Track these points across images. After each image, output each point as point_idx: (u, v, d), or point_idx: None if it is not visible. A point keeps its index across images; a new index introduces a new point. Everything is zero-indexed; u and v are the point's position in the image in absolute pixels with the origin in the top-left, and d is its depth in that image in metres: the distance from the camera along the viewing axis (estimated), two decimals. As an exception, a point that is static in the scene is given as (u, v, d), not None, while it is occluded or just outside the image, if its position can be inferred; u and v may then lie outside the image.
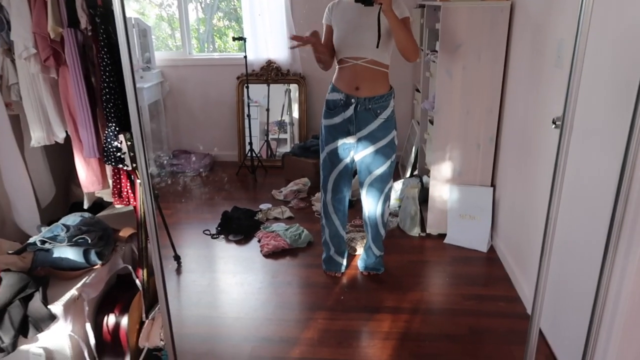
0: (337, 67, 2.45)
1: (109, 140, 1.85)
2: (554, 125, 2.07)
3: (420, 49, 3.76)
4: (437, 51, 3.14)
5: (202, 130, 4.84)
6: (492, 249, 3.09)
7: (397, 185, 3.68)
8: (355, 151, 2.51)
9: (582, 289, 1.89)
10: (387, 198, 2.61)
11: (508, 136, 2.92)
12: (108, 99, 1.82)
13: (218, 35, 5.60)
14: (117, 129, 1.84)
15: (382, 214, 2.65)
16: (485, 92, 2.97)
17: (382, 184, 2.55)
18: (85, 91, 1.84)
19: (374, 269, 2.84)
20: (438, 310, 2.56)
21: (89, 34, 1.84)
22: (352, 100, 2.37)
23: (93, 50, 1.88)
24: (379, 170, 2.51)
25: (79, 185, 2.38)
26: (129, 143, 1.85)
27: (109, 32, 1.79)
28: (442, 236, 3.23)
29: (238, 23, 5.33)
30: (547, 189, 2.34)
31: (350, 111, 2.39)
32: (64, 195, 2.44)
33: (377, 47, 2.25)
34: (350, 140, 2.47)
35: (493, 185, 3.14)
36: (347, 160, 2.55)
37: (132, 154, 1.86)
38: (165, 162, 4.64)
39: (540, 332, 2.24)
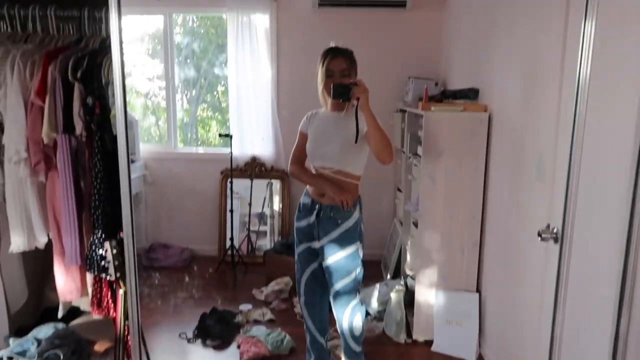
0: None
1: (93, 247, 1.79)
2: (540, 238, 2.10)
3: (402, 151, 3.90)
4: (418, 155, 3.24)
5: (182, 223, 4.77)
6: (480, 358, 2.99)
7: (381, 288, 3.61)
8: (321, 258, 2.45)
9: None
10: (355, 311, 2.45)
11: (492, 242, 2.95)
12: (97, 205, 1.78)
13: (201, 125, 5.73)
14: (103, 236, 1.79)
15: (351, 329, 2.48)
16: (468, 198, 3.03)
17: (345, 298, 2.43)
18: (73, 196, 1.81)
19: None
20: None
21: (84, 139, 1.84)
22: (316, 206, 2.37)
23: (85, 155, 1.87)
24: (341, 283, 2.41)
25: (53, 289, 2.27)
26: (114, 251, 1.79)
27: (104, 139, 1.80)
28: (429, 342, 3.13)
29: (222, 114, 5.47)
30: (536, 298, 2.34)
31: (313, 217, 2.39)
32: (36, 299, 2.30)
33: (356, 142, 2.24)
34: (315, 245, 2.43)
35: (478, 290, 3.12)
36: (315, 264, 2.50)
37: (116, 262, 1.80)
38: (141, 255, 4.50)
39: None
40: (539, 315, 2.28)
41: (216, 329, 3.23)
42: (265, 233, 4.84)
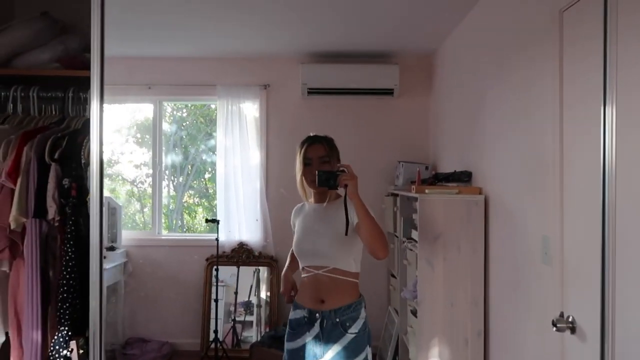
0: (301, 278, 2.20)
1: (57, 347, 1.57)
2: (554, 328, 1.93)
3: (395, 235, 3.77)
4: (413, 239, 3.12)
5: (162, 315, 4.46)
6: None
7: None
8: None
9: None
10: None
11: (498, 331, 2.74)
12: (65, 298, 1.59)
13: (187, 212, 5.59)
14: (69, 334, 1.58)
15: None
16: (468, 284, 2.87)
17: None
18: (39, 288, 1.62)
19: None
20: None
21: (56, 224, 1.69)
22: (317, 315, 2.06)
23: (57, 241, 1.71)
24: None
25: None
26: (80, 351, 1.57)
27: (79, 223, 1.65)
28: None
29: (208, 200, 5.35)
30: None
31: (316, 328, 2.06)
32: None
33: (347, 234, 2.01)
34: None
35: (487, 387, 2.86)
36: None
37: (83, 364, 1.57)
38: (116, 352, 4.14)
39: None
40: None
41: None
42: (251, 323, 4.55)
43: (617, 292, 1.58)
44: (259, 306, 4.58)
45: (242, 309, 4.53)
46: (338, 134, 2.49)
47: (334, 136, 2.30)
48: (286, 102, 4.45)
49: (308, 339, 2.07)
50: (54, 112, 1.95)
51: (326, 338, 2.04)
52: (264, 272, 4.53)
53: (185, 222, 5.49)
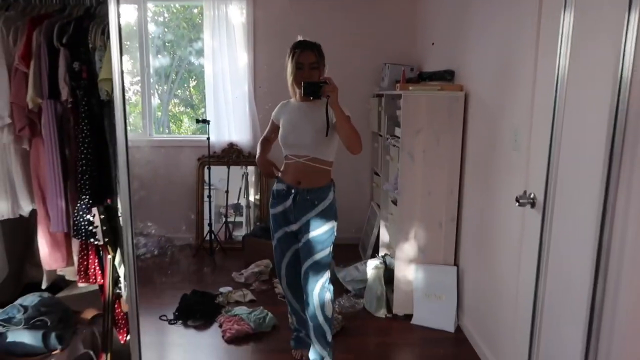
0: (284, 161, 2.51)
1: (80, 213, 1.77)
2: (517, 203, 2.19)
3: (379, 134, 3.97)
4: (396, 136, 3.32)
5: (158, 211, 4.71)
6: (459, 329, 3.08)
7: (361, 267, 3.68)
8: (299, 238, 2.50)
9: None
10: (325, 289, 2.47)
11: (469, 216, 3.05)
12: (84, 170, 1.77)
13: (173, 121, 5.67)
14: (90, 201, 1.78)
15: (323, 305, 2.46)
16: (446, 174, 3.13)
17: (318, 272, 2.46)
18: (59, 162, 1.79)
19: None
20: (412, 394, 2.48)
21: (69, 105, 1.82)
22: (292, 191, 2.44)
23: (70, 122, 1.85)
24: (316, 257, 2.45)
25: (34, 264, 2.24)
26: (102, 217, 1.78)
27: (91, 104, 1.79)
28: (409, 317, 3.21)
29: (194, 109, 5.42)
30: (510, 266, 2.44)
31: (289, 201, 2.44)
32: (15, 275, 2.26)
33: (327, 135, 2.34)
34: (293, 228, 2.49)
35: (456, 264, 3.21)
36: (295, 246, 2.54)
37: (104, 227, 1.79)
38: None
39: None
40: (515, 284, 2.37)
41: (197, 310, 3.23)
42: (241, 224, 4.85)
43: (560, 168, 1.83)
44: (248, 207, 4.85)
45: (232, 211, 4.80)
46: (325, 37, 2.62)
47: (321, 40, 2.44)
48: (273, 5, 4.42)
49: (286, 207, 2.47)
50: (54, 1, 2.00)
51: (297, 209, 2.44)
52: (252, 175, 4.75)
53: (171, 130, 5.58)
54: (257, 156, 2.63)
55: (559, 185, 1.95)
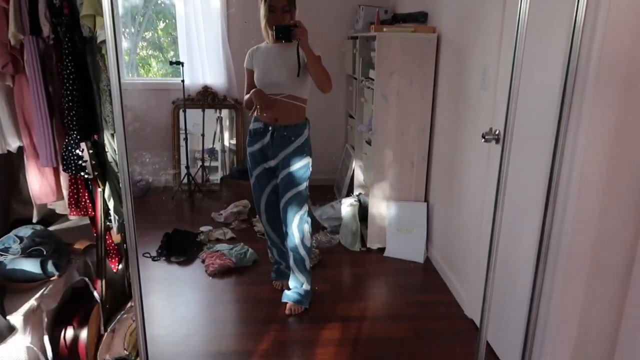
0: None
1: (69, 148, 1.83)
2: (483, 140, 2.34)
3: (354, 77, 4.04)
4: (371, 78, 3.40)
5: (134, 155, 4.73)
6: (428, 260, 3.32)
7: (336, 205, 3.85)
8: (277, 173, 2.63)
9: (520, 295, 2.11)
10: (303, 220, 2.62)
11: (439, 154, 3.21)
12: (70, 106, 1.81)
13: (142, 65, 5.54)
14: (78, 137, 1.83)
15: (302, 236, 2.63)
16: (418, 114, 3.26)
17: (296, 204, 2.60)
18: (45, 98, 1.82)
19: (298, 301, 2.71)
20: (384, 317, 2.70)
21: (51, 42, 1.84)
22: (270, 128, 2.54)
23: (53, 59, 1.87)
24: (294, 190, 2.58)
25: (20, 202, 2.29)
26: (90, 151, 1.84)
27: (74, 41, 1.80)
28: (382, 250, 3.42)
29: (163, 53, 5.32)
30: (475, 200, 2.63)
31: (267, 138, 2.54)
32: (2, 212, 2.32)
33: (298, 75, 2.45)
34: (271, 164, 2.61)
35: (427, 200, 3.41)
36: (274, 182, 2.67)
37: (93, 162, 1.86)
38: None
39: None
40: (480, 216, 2.56)
41: (180, 247, 3.36)
42: (217, 168, 4.91)
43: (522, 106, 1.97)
44: (223, 152, 4.91)
45: (207, 155, 4.85)
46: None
47: (297, -19, 2.49)
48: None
49: (263, 144, 2.57)
50: None
51: (275, 146, 2.56)
52: (226, 119, 4.77)
53: (140, 75, 5.46)
54: (248, 96, 2.56)
55: (519, 121, 2.10)
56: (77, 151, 1.83)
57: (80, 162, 1.83)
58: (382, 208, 3.41)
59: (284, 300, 2.76)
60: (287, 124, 2.53)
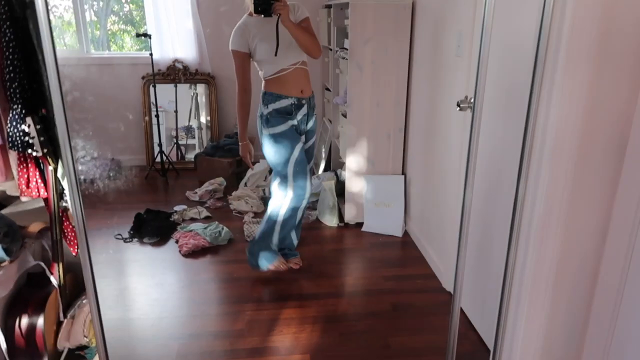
0: (271, 77, 2.45)
1: (14, 124, 1.69)
2: (458, 108, 2.25)
3: (329, 48, 3.90)
4: (346, 48, 3.27)
5: (105, 133, 4.57)
6: (406, 233, 3.26)
7: (313, 181, 3.75)
8: (304, 140, 2.65)
9: (495, 264, 2.06)
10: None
11: (416, 126, 3.12)
12: (12, 77, 1.67)
13: (113, 40, 5.32)
14: (23, 111, 1.69)
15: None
16: (394, 85, 3.15)
17: (309, 171, 2.70)
18: (-16, 71, 1.68)
19: (292, 252, 2.88)
20: (362, 292, 2.64)
21: (-14, 8, 1.68)
22: (303, 102, 2.52)
23: (-10, 26, 1.71)
24: (312, 161, 2.73)
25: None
26: (37, 127, 1.71)
27: (11, 4, 1.65)
28: (360, 225, 3.34)
29: (135, 27, 5.10)
30: (453, 171, 2.55)
31: (304, 110, 2.53)
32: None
33: (276, 55, 2.36)
34: (302, 139, 2.61)
35: (404, 173, 3.33)
36: (302, 143, 2.60)
37: (41, 138, 1.73)
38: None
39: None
40: (457, 187, 2.49)
41: (152, 227, 3.25)
42: (194, 146, 4.77)
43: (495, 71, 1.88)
44: (199, 129, 4.76)
45: (183, 134, 4.70)
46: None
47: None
48: None
49: (298, 119, 2.53)
50: None
51: (307, 119, 2.60)
52: (202, 95, 4.61)
53: (112, 50, 5.23)
54: (238, 134, 2.58)
55: (494, 88, 2.02)
56: (24, 127, 1.69)
57: (27, 138, 1.69)
58: (359, 182, 3.32)
59: (289, 258, 2.82)
60: (311, 95, 2.58)
